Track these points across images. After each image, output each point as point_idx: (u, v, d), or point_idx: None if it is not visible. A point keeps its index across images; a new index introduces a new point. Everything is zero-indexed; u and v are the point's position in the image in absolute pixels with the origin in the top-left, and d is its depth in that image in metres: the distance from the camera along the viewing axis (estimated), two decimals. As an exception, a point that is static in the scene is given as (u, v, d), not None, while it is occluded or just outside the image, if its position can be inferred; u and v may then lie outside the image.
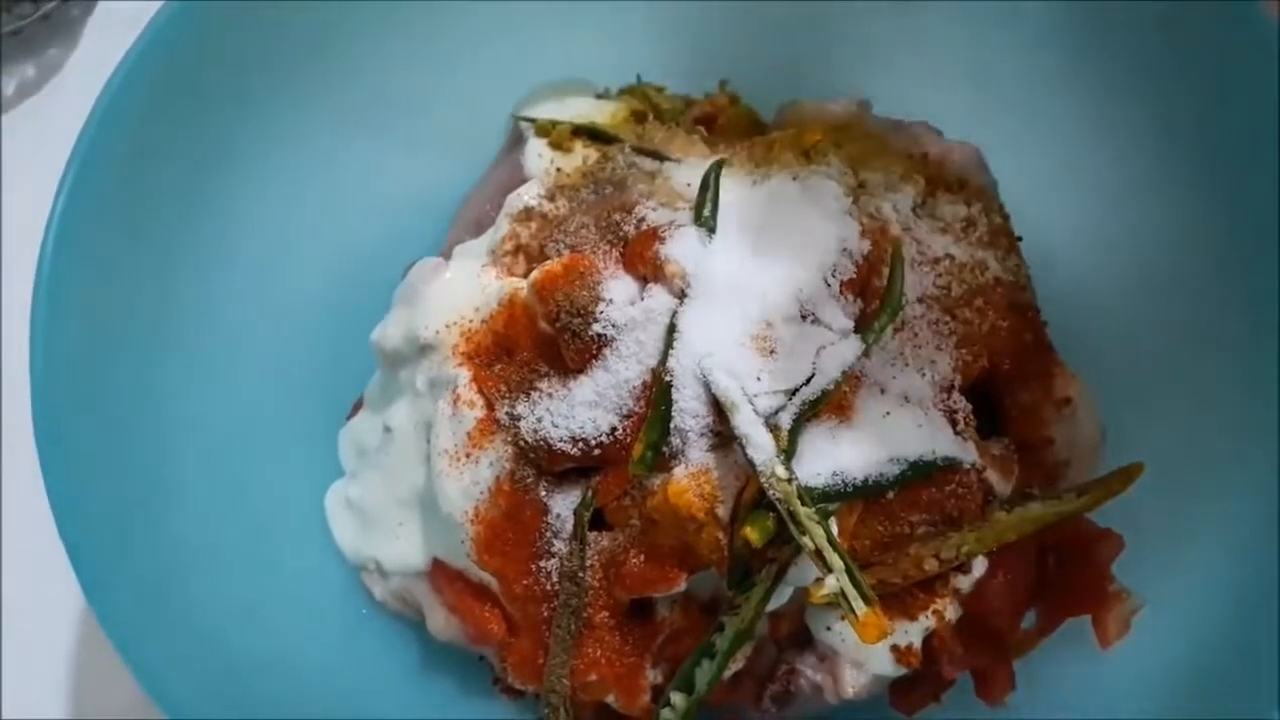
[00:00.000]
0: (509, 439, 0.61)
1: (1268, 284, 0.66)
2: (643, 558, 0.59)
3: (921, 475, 0.60)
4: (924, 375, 0.62)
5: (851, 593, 0.55)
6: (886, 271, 0.61)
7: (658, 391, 0.58)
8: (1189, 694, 0.62)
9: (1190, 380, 0.70)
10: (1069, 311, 0.71)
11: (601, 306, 0.60)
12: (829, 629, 0.62)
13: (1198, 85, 0.68)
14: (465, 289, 0.65)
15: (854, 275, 0.61)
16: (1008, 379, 0.66)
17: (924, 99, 0.74)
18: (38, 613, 0.76)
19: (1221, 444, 0.67)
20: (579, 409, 0.59)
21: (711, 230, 0.61)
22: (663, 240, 0.61)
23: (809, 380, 0.58)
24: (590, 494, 0.60)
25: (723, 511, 0.58)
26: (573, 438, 0.59)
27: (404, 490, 0.66)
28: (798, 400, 0.57)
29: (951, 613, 0.62)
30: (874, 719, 0.67)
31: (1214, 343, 0.69)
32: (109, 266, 0.63)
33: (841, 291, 0.60)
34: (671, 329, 0.59)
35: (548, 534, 0.61)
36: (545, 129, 0.71)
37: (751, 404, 0.57)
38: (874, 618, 0.54)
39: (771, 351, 0.58)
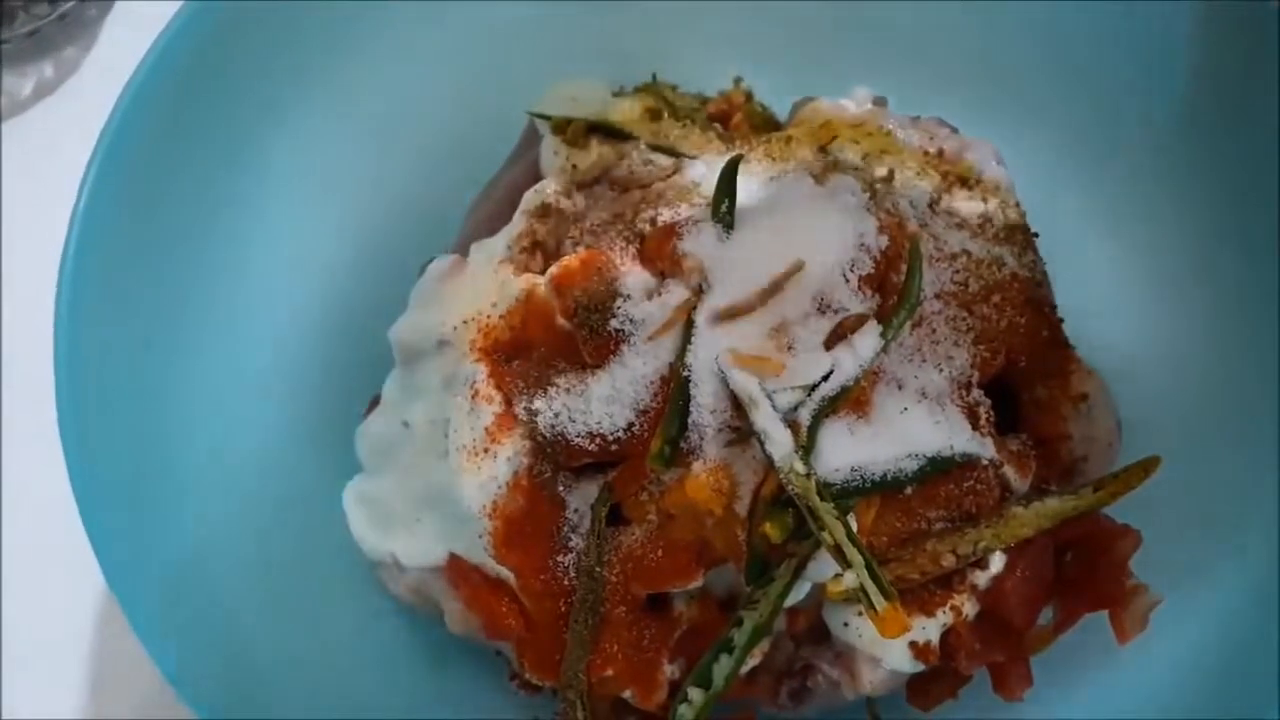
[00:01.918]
0: (527, 434, 0.61)
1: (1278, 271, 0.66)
2: (660, 553, 0.59)
3: (939, 471, 0.60)
4: (941, 371, 0.62)
5: (871, 588, 0.55)
6: (904, 267, 0.61)
7: (675, 387, 0.58)
8: (1189, 693, 0.62)
9: (1204, 376, 0.70)
10: (1085, 307, 0.71)
11: (619, 302, 0.60)
12: (846, 625, 0.62)
13: (1214, 79, 0.68)
14: (483, 286, 0.65)
15: (872, 271, 0.61)
16: (1024, 375, 0.66)
17: (939, 96, 0.74)
18: (51, 609, 0.76)
19: (1224, 442, 0.68)
20: (596, 404, 0.60)
21: (729, 226, 0.61)
22: (680, 236, 0.61)
23: (827, 376, 0.58)
24: (608, 489, 0.60)
25: (740, 507, 0.58)
26: (590, 433, 0.59)
27: (421, 486, 0.66)
28: (816, 396, 0.57)
29: (969, 609, 0.62)
30: (891, 717, 0.67)
31: (1229, 337, 0.69)
32: (130, 265, 0.64)
33: (859, 287, 0.60)
34: (689, 324, 0.59)
35: (565, 529, 0.61)
36: (561, 126, 0.71)
37: (770, 400, 0.57)
38: (894, 613, 0.55)
39: (789, 347, 0.58)
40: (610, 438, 0.59)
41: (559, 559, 0.61)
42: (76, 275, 0.61)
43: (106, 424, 0.61)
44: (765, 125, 0.76)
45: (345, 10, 0.71)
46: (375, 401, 0.72)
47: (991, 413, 0.63)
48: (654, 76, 0.75)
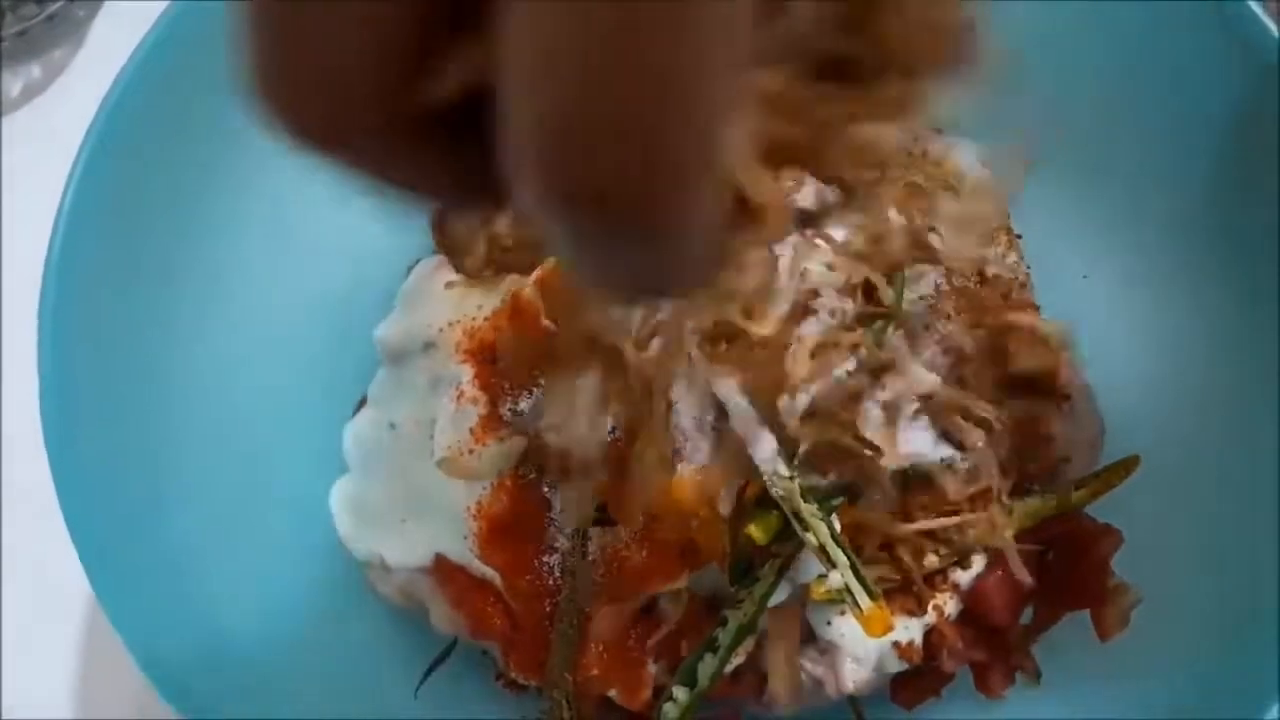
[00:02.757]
0: (512, 436, 0.61)
1: (1270, 277, 0.66)
2: (645, 553, 0.60)
3: (922, 473, 0.60)
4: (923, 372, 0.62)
5: (856, 588, 0.56)
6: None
7: (659, 388, 0.59)
8: (1188, 693, 0.62)
9: (1191, 374, 0.70)
10: (1069, 309, 0.71)
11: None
12: (829, 624, 0.62)
13: (1202, 77, 0.68)
14: (469, 287, 0.65)
15: (856, 273, 0.61)
16: (1006, 376, 0.66)
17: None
18: (40, 610, 0.76)
19: (1222, 440, 0.68)
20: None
21: (712, 227, 0.62)
22: (663, 237, 0.61)
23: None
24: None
25: (725, 508, 0.58)
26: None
27: (407, 487, 0.66)
28: (800, 399, 0.58)
29: (951, 608, 0.62)
30: (875, 716, 0.68)
31: (1215, 336, 0.69)
32: (115, 267, 0.64)
33: (844, 290, 0.61)
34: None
35: (550, 529, 0.61)
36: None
37: (751, 403, 0.57)
38: (879, 612, 0.55)
39: (772, 349, 0.58)
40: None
41: (544, 559, 0.61)
42: (62, 276, 0.61)
43: (91, 425, 0.61)
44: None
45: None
46: (363, 402, 0.73)
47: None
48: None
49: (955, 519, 0.60)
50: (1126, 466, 0.63)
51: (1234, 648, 0.62)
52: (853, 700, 0.66)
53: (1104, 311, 0.73)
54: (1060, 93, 0.73)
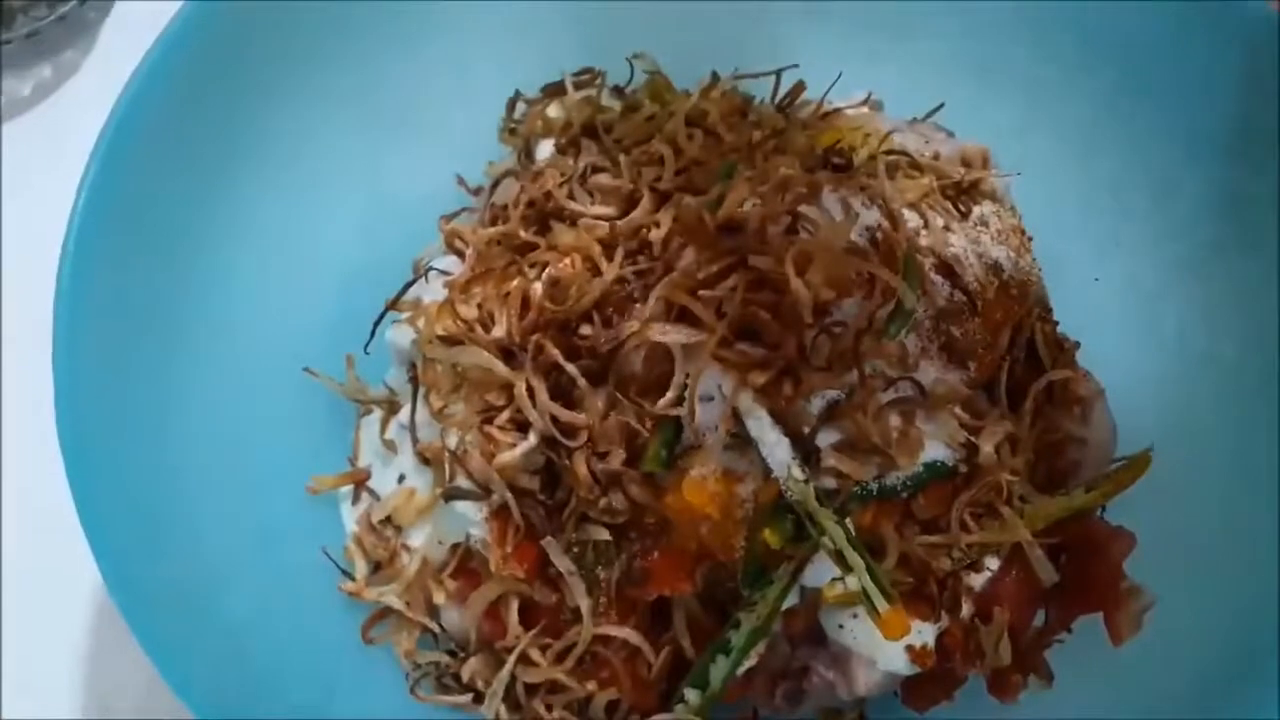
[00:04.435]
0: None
1: (1276, 278, 0.66)
2: (659, 557, 0.60)
3: (936, 476, 0.60)
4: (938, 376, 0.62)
5: (873, 590, 0.55)
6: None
7: (671, 390, 0.59)
8: (1189, 694, 0.62)
9: (1203, 378, 0.70)
10: (1082, 310, 0.71)
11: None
12: (841, 627, 0.62)
13: (1206, 80, 0.68)
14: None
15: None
16: (1021, 379, 0.66)
17: (934, 100, 0.74)
18: (50, 610, 0.76)
19: (1224, 442, 0.68)
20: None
21: (727, 230, 0.62)
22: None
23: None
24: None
25: (739, 511, 0.58)
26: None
27: (420, 486, 0.66)
28: (815, 403, 0.58)
29: (965, 611, 0.62)
30: (886, 718, 0.67)
31: (1224, 338, 0.69)
32: (129, 267, 0.64)
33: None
34: (686, 329, 0.59)
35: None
36: (555, 129, 0.71)
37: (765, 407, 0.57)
38: (895, 615, 0.55)
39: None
40: (609, 439, 0.59)
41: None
42: (75, 278, 0.61)
43: (106, 426, 0.61)
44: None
45: (345, 12, 0.71)
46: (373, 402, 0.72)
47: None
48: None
49: (972, 536, 0.60)
50: (1138, 467, 0.63)
51: (1234, 648, 0.62)
52: (860, 703, 0.66)
53: (1114, 313, 0.73)
54: (1065, 94, 0.74)
